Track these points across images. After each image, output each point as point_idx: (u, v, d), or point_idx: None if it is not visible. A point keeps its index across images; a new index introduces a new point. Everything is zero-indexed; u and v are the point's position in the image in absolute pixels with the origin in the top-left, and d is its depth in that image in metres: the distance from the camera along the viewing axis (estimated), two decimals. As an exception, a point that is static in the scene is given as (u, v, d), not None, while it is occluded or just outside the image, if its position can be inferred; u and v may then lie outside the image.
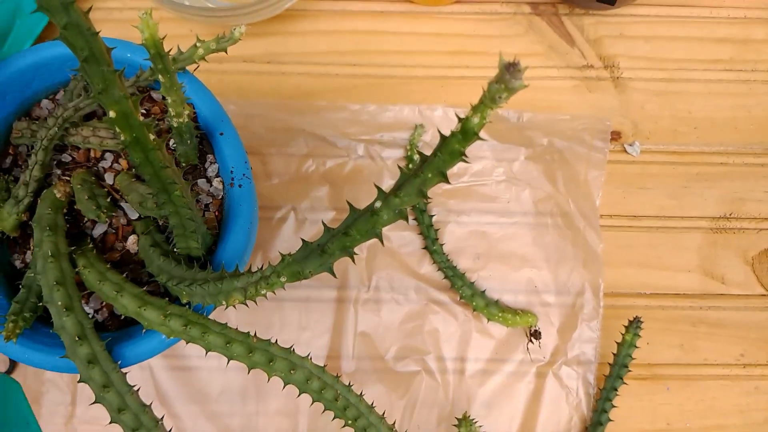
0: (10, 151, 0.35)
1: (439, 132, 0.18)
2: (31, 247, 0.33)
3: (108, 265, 0.32)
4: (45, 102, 0.36)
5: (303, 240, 0.24)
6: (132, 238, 0.34)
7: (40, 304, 0.31)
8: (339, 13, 0.50)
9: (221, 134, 0.34)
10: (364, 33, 0.50)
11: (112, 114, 0.23)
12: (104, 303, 0.33)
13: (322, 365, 0.31)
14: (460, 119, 0.17)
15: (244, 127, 0.48)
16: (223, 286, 0.28)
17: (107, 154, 0.35)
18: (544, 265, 0.48)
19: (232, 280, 0.27)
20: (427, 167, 0.18)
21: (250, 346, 0.29)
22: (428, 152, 0.18)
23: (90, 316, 0.33)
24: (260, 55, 0.50)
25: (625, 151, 0.50)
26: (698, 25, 0.51)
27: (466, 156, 0.18)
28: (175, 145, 0.34)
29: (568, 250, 0.48)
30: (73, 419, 0.43)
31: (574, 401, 0.46)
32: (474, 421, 0.43)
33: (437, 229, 0.47)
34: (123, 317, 0.33)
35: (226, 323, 0.30)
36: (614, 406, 0.45)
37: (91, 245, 0.33)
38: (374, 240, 0.21)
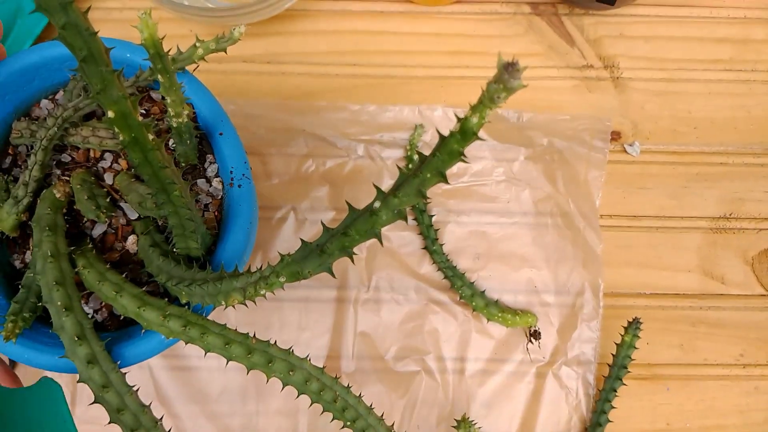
0: (10, 151, 0.35)
1: (438, 132, 0.18)
2: (31, 247, 0.33)
3: (107, 266, 0.32)
4: (44, 102, 0.36)
5: (302, 240, 0.24)
6: (131, 238, 0.34)
7: (40, 304, 0.31)
8: (339, 13, 0.50)
9: (221, 134, 0.34)
10: (364, 33, 0.50)
11: (110, 114, 0.23)
12: (104, 303, 0.33)
13: (322, 365, 0.31)
14: (459, 119, 0.17)
15: (243, 128, 0.48)
16: (223, 286, 0.28)
17: (107, 154, 0.35)
18: (544, 265, 0.48)
19: (231, 280, 0.27)
20: (426, 167, 0.18)
21: (249, 347, 0.29)
22: (428, 152, 0.18)
23: (89, 316, 0.33)
24: (260, 55, 0.50)
25: (625, 151, 0.50)
26: (698, 25, 0.51)
27: (465, 156, 0.18)
28: (174, 145, 0.34)
29: (568, 250, 0.48)
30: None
31: (573, 401, 0.46)
32: (473, 422, 0.43)
33: (437, 229, 0.47)
34: (122, 317, 0.33)
35: (226, 324, 0.30)
36: (613, 407, 0.45)
37: (90, 245, 0.33)
38: (374, 240, 0.21)
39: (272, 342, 0.30)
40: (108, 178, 0.34)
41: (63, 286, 0.29)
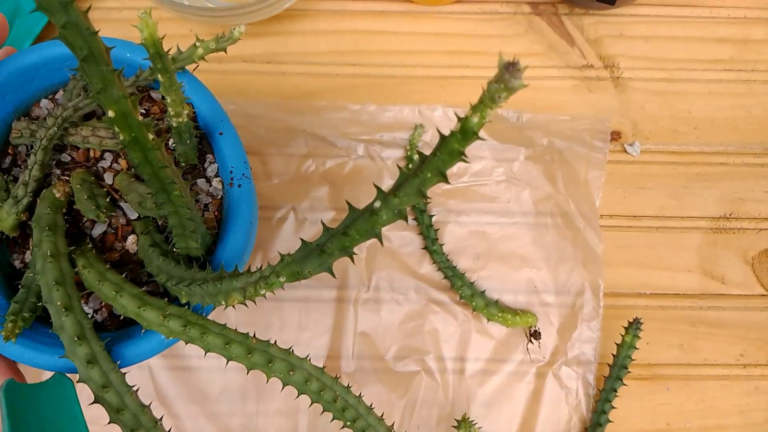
0: (10, 150, 0.35)
1: (439, 132, 0.18)
2: (31, 247, 0.33)
3: (107, 265, 0.32)
4: (44, 102, 0.36)
5: (302, 240, 0.24)
6: (131, 238, 0.34)
7: (40, 304, 0.31)
8: (339, 12, 0.50)
9: (221, 134, 0.34)
10: (364, 33, 0.50)
11: (111, 113, 0.23)
12: (103, 303, 0.33)
13: (322, 365, 0.31)
14: (459, 119, 0.17)
15: (243, 127, 0.47)
16: (223, 286, 0.27)
17: (106, 154, 0.35)
18: (544, 265, 0.48)
19: (231, 280, 0.27)
20: (427, 167, 0.18)
21: (249, 346, 0.29)
22: (428, 152, 0.18)
23: (89, 316, 0.33)
24: (260, 54, 0.50)
25: (625, 151, 0.50)
26: (698, 25, 0.51)
27: (465, 156, 0.18)
28: (174, 145, 0.34)
29: (568, 250, 0.48)
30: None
31: (573, 401, 0.46)
32: (473, 422, 0.43)
33: (437, 229, 0.47)
34: (122, 317, 0.33)
35: (226, 324, 0.30)
36: (614, 407, 0.45)
37: (90, 245, 0.33)
38: (374, 240, 0.21)
39: (272, 342, 0.30)
40: (108, 178, 0.34)
41: (63, 285, 0.29)
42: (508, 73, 0.15)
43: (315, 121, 0.48)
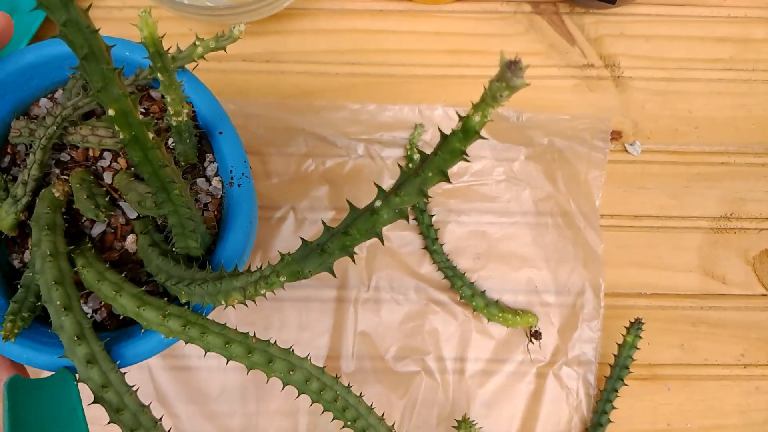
0: (9, 150, 0.35)
1: (440, 131, 0.18)
2: (30, 247, 0.33)
3: (107, 265, 0.32)
4: (43, 101, 0.36)
5: (303, 239, 0.24)
6: (131, 238, 0.34)
7: (39, 303, 0.31)
8: (338, 11, 0.50)
9: (220, 133, 0.34)
10: (364, 32, 0.50)
11: (111, 112, 0.23)
12: (103, 303, 0.33)
13: (322, 365, 0.31)
14: (461, 118, 0.17)
15: (243, 127, 0.47)
16: (222, 285, 0.27)
17: (106, 153, 0.35)
18: (544, 265, 0.48)
19: (231, 279, 0.27)
20: (428, 166, 0.18)
21: (249, 346, 0.29)
22: (428, 151, 0.18)
23: (89, 315, 0.33)
24: (259, 54, 0.50)
25: (626, 150, 0.50)
26: (699, 25, 0.51)
27: (467, 155, 0.17)
28: (174, 144, 0.34)
29: (569, 250, 0.48)
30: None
31: (574, 402, 0.46)
32: (473, 422, 0.43)
33: (437, 229, 0.47)
34: (122, 317, 0.33)
35: (225, 323, 0.30)
36: (614, 408, 0.45)
37: (89, 244, 0.33)
38: (374, 240, 0.21)
39: (272, 341, 0.30)
40: (107, 177, 0.34)
41: (62, 285, 0.29)
42: (510, 72, 0.15)
43: (315, 121, 0.48)
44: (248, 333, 0.30)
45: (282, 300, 0.46)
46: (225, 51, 0.33)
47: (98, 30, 0.21)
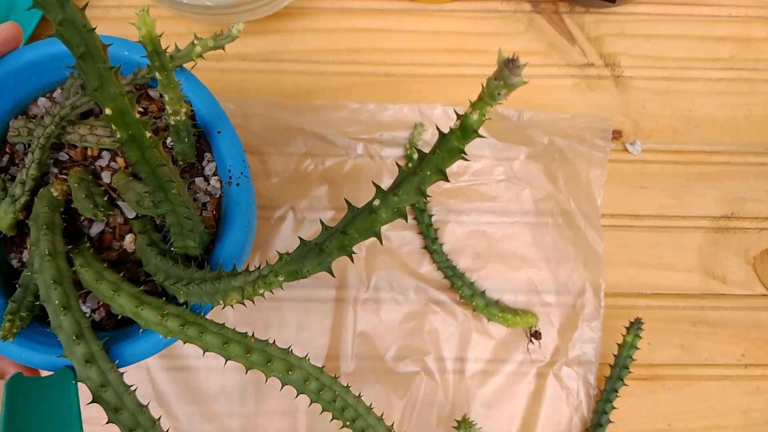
0: (7, 149, 0.35)
1: (438, 129, 0.18)
2: (28, 246, 0.33)
3: (105, 264, 0.32)
4: (42, 100, 0.35)
5: (301, 239, 0.24)
6: (129, 237, 0.34)
7: (37, 303, 0.31)
8: (338, 11, 0.50)
9: (219, 132, 0.34)
10: (364, 31, 0.50)
11: (108, 111, 0.23)
12: (101, 302, 0.33)
13: (321, 365, 0.31)
14: (459, 116, 0.17)
15: (242, 126, 0.47)
16: (221, 285, 0.27)
17: (104, 153, 0.35)
18: (545, 264, 0.48)
19: (229, 279, 0.27)
20: (426, 165, 0.18)
21: (248, 346, 0.29)
22: (428, 151, 0.18)
23: (87, 315, 0.33)
24: (258, 53, 0.49)
25: (626, 150, 0.49)
26: (699, 24, 0.51)
27: (465, 154, 0.17)
28: (172, 144, 0.33)
29: (569, 249, 0.48)
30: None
31: (574, 402, 0.46)
32: (473, 422, 0.43)
33: (437, 229, 0.47)
34: (120, 317, 0.33)
35: (224, 323, 0.30)
36: (614, 408, 0.45)
37: (88, 244, 0.32)
38: (373, 239, 0.21)
39: (271, 341, 0.30)
40: (105, 177, 0.34)
41: (60, 285, 0.29)
42: (508, 70, 0.14)
43: (314, 120, 0.48)
44: (247, 333, 0.30)
45: (281, 300, 0.46)
46: (224, 50, 0.33)
47: (94, 29, 0.21)
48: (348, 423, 0.32)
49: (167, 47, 0.28)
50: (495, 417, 0.46)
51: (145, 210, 0.31)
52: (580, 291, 0.47)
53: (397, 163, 0.30)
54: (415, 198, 0.19)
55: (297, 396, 0.30)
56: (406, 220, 0.20)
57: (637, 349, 0.44)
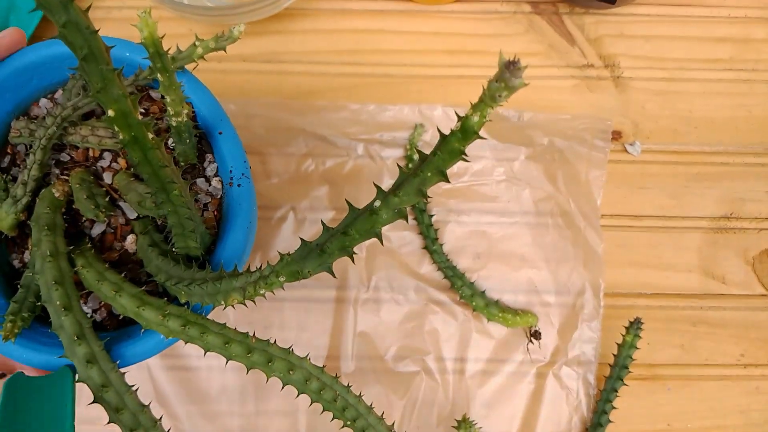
0: (9, 150, 0.35)
1: (439, 131, 0.18)
2: (30, 247, 0.33)
3: (106, 265, 0.32)
4: (43, 101, 0.36)
5: (302, 239, 0.24)
6: (130, 238, 0.34)
7: (39, 303, 0.31)
8: (338, 12, 0.50)
9: (220, 133, 0.34)
10: (364, 32, 0.50)
11: (110, 113, 0.23)
12: (103, 302, 0.33)
13: (322, 365, 0.31)
14: (459, 118, 0.17)
15: (243, 127, 0.47)
16: (222, 285, 0.27)
17: (106, 154, 0.35)
18: (544, 265, 0.48)
19: (230, 279, 0.27)
20: (427, 166, 0.18)
21: (249, 346, 0.29)
22: (428, 152, 0.18)
23: (88, 315, 0.33)
24: (259, 54, 0.50)
25: (626, 150, 0.50)
26: (698, 25, 0.51)
27: (465, 155, 0.17)
28: (173, 144, 0.34)
29: (569, 249, 0.48)
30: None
31: (574, 402, 0.46)
32: (473, 422, 0.43)
33: (437, 229, 0.47)
34: (121, 317, 0.33)
35: (225, 323, 0.30)
36: (614, 408, 0.45)
37: (89, 245, 0.33)
38: (373, 240, 0.21)
39: (272, 341, 0.30)
40: (107, 178, 0.34)
41: (62, 285, 0.29)
42: (509, 72, 0.15)
43: (315, 121, 0.48)
44: (248, 333, 0.30)
45: (281, 300, 0.46)
46: (225, 51, 0.33)
47: (98, 31, 0.21)
48: (349, 423, 0.32)
49: (169, 49, 0.28)
50: (495, 417, 0.46)
51: (146, 211, 0.31)
52: (579, 291, 0.47)
53: (398, 164, 0.30)
54: (415, 199, 0.19)
55: (298, 396, 0.31)
56: (407, 221, 0.20)
57: (637, 349, 0.44)
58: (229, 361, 0.29)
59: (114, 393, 0.28)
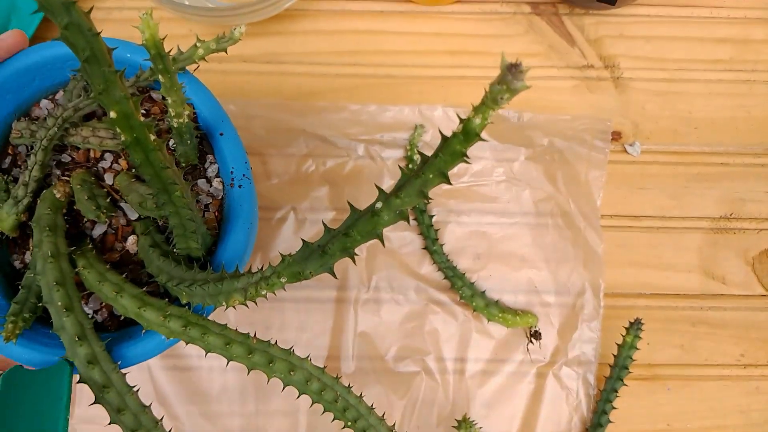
0: (10, 151, 0.35)
1: (441, 133, 0.18)
2: (31, 248, 0.33)
3: (107, 266, 0.32)
4: (44, 102, 0.36)
5: (303, 240, 0.24)
6: (131, 239, 0.34)
7: (40, 304, 0.31)
8: (339, 12, 0.50)
9: (221, 134, 0.34)
10: (365, 33, 0.50)
11: (112, 114, 0.23)
12: (104, 303, 0.33)
13: (322, 366, 0.31)
14: (461, 120, 0.17)
15: (244, 128, 0.47)
16: (223, 286, 0.27)
17: (107, 155, 0.35)
18: (544, 265, 0.48)
19: (232, 280, 0.27)
20: (429, 168, 0.18)
21: (250, 347, 0.29)
22: (428, 152, 0.18)
23: (90, 316, 0.33)
24: (260, 55, 0.50)
25: (626, 151, 0.50)
26: (698, 25, 0.51)
27: (467, 157, 0.18)
28: (175, 146, 0.34)
29: (569, 250, 0.48)
30: (73, 419, 0.43)
31: (574, 402, 0.46)
32: (473, 422, 0.43)
33: (437, 230, 0.47)
34: (123, 318, 0.33)
35: (226, 324, 0.30)
36: (614, 408, 0.45)
37: (90, 246, 0.33)
38: (374, 240, 0.21)
39: (273, 342, 0.30)
40: (108, 179, 0.34)
41: (63, 286, 0.29)
42: (511, 75, 0.15)
43: (315, 122, 0.48)
44: (249, 334, 0.30)
45: (282, 301, 0.46)
46: (226, 52, 0.33)
47: (100, 32, 0.21)
48: (349, 423, 0.32)
49: (170, 50, 0.28)
50: (495, 417, 0.46)
51: (147, 212, 0.31)
52: (579, 291, 0.47)
53: (399, 166, 0.30)
54: (417, 200, 0.19)
55: (298, 396, 0.31)
56: (409, 222, 0.20)
57: (637, 349, 0.45)
58: (230, 362, 0.29)
59: (115, 394, 0.28)
